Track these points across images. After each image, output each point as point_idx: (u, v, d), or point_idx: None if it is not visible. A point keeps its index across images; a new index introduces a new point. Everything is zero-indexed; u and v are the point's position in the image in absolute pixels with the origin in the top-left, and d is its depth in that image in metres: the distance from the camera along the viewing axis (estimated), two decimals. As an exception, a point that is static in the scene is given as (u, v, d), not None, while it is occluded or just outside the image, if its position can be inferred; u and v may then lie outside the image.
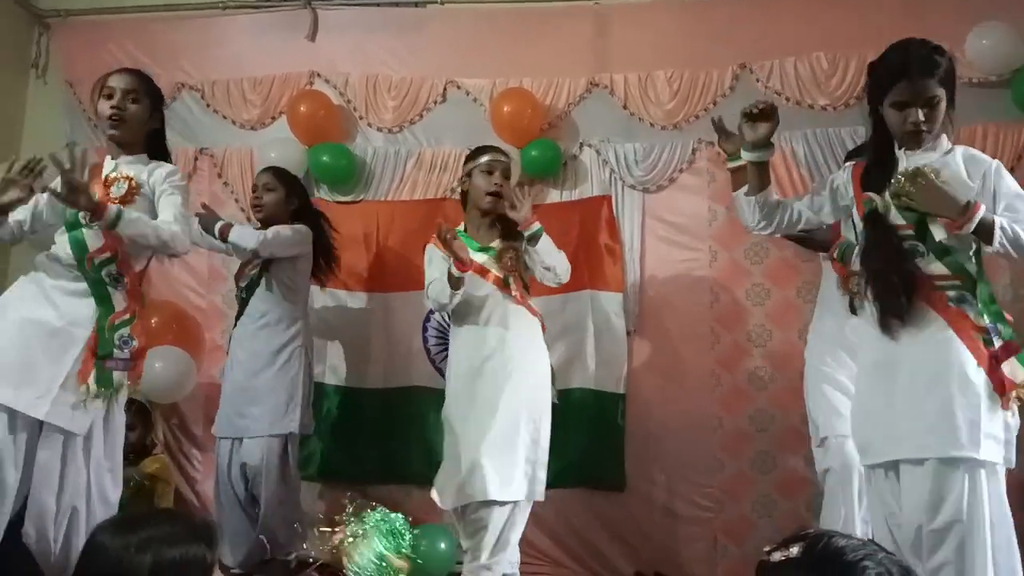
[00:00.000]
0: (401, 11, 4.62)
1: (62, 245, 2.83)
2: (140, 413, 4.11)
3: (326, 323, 4.27)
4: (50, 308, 2.74)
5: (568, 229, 4.11)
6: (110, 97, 2.88)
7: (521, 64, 4.38)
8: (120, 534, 1.65)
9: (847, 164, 2.65)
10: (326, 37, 4.59)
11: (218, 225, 3.59)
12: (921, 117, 2.40)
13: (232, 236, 3.55)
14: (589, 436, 4.08)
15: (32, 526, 2.64)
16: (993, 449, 2.28)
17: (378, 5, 4.67)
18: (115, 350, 2.80)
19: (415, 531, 2.50)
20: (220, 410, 3.71)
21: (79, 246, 2.80)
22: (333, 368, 4.30)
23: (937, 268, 2.39)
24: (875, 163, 2.53)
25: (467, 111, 4.40)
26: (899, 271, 2.40)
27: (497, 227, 3.45)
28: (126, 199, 2.83)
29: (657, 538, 4.01)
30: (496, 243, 3.42)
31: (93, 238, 2.81)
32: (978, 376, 2.31)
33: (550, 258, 3.33)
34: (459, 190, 3.78)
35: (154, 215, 2.86)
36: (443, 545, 3.60)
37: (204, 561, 1.60)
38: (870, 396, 2.49)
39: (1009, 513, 2.31)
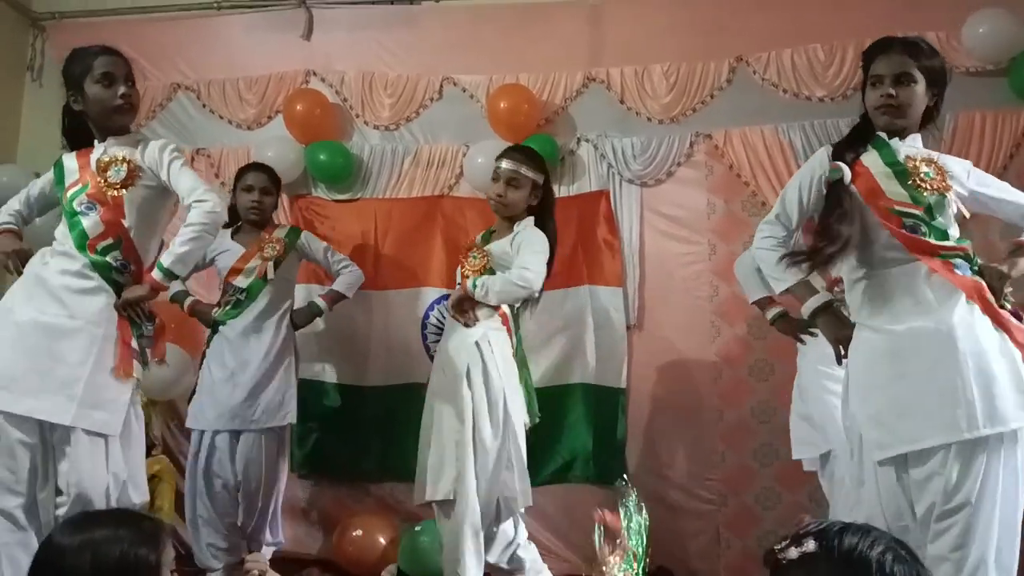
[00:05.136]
0: (396, 8, 4.61)
1: (63, 234, 2.76)
2: None
3: (324, 321, 4.26)
4: (59, 307, 2.65)
5: (566, 224, 4.08)
6: (111, 84, 2.73)
7: (517, 60, 4.37)
8: (68, 533, 1.64)
9: (823, 154, 2.57)
10: (321, 36, 4.58)
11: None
12: (890, 90, 2.39)
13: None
14: (590, 431, 4.08)
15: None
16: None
17: (373, 3, 4.66)
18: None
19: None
20: (208, 404, 3.66)
21: (80, 234, 2.71)
22: (332, 366, 4.29)
23: (935, 244, 2.37)
24: (850, 138, 2.51)
25: (464, 107, 4.39)
26: (851, 236, 2.37)
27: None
28: (127, 182, 2.73)
29: (659, 532, 3.99)
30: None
31: (92, 225, 2.72)
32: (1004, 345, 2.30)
33: (499, 297, 3.16)
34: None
35: (157, 193, 2.78)
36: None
37: (148, 563, 1.58)
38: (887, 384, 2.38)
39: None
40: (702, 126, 4.17)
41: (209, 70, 4.61)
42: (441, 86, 4.44)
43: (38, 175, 4.42)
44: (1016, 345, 2.29)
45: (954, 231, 2.41)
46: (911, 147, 2.47)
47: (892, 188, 2.39)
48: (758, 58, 4.15)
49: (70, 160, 2.86)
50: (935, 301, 2.32)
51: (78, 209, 2.74)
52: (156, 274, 2.73)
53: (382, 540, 3.86)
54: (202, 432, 3.68)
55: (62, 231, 2.77)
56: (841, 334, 2.46)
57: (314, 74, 4.55)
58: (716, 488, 4.01)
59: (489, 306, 3.19)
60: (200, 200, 2.73)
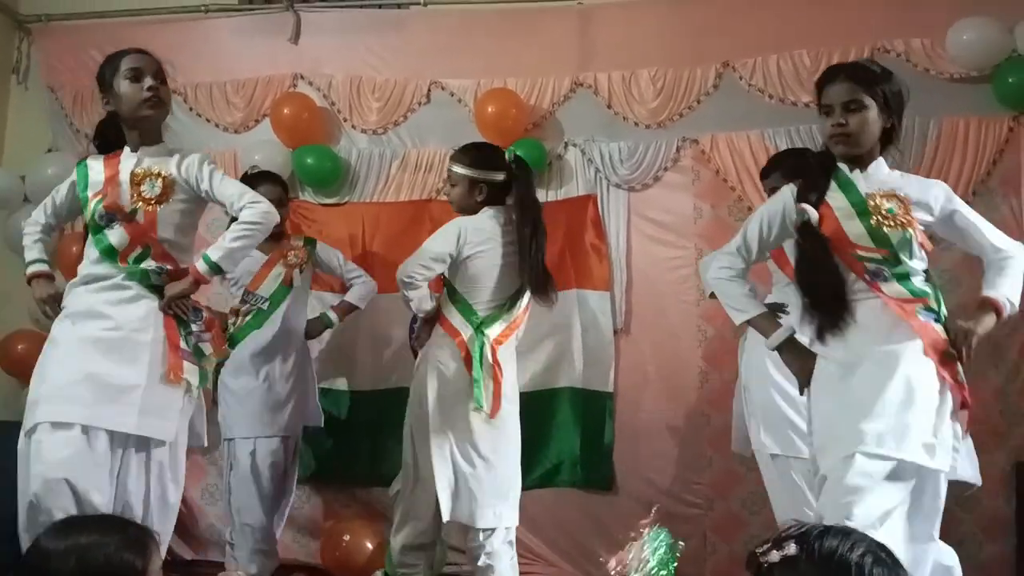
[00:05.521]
0: (384, 13, 4.61)
1: (92, 248, 2.73)
2: None
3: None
4: (103, 320, 2.62)
5: (554, 228, 4.07)
6: (138, 79, 2.68)
7: (505, 64, 4.38)
8: (54, 537, 1.64)
9: (788, 193, 2.57)
10: (309, 39, 4.57)
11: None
12: (840, 119, 2.39)
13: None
14: (577, 435, 4.09)
15: None
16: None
17: (361, 7, 4.67)
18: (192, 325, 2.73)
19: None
20: (243, 412, 3.65)
21: (108, 249, 2.69)
22: (320, 371, 4.28)
23: (898, 291, 2.38)
24: (814, 177, 2.51)
25: (452, 112, 4.40)
26: (832, 284, 2.40)
27: None
28: (161, 198, 2.69)
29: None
30: None
31: (118, 236, 2.69)
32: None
33: (412, 305, 3.18)
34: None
35: (191, 207, 2.76)
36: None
37: (134, 569, 1.58)
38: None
39: None
40: (689, 131, 4.19)
41: (196, 73, 4.58)
42: (429, 90, 4.44)
43: (23, 179, 4.49)
44: (955, 400, 2.35)
45: (919, 265, 2.42)
46: (874, 178, 2.46)
47: (854, 230, 2.40)
48: (744, 64, 4.17)
49: (96, 164, 2.80)
50: (892, 334, 2.35)
51: (100, 223, 2.70)
52: (201, 266, 2.68)
53: (369, 545, 3.85)
54: (231, 440, 3.67)
55: (90, 242, 2.73)
56: (806, 366, 2.48)
57: (302, 78, 4.54)
58: (703, 492, 4.02)
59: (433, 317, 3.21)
60: (254, 201, 2.72)
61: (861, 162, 2.46)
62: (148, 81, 2.69)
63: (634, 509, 4.02)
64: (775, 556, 1.26)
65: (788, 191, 2.54)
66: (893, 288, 2.38)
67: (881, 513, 2.20)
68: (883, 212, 2.39)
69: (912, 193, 2.45)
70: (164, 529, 2.70)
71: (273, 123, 4.41)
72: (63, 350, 2.62)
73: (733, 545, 3.95)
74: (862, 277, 2.39)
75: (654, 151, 4.20)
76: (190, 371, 2.69)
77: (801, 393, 2.54)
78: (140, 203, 2.68)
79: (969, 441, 2.50)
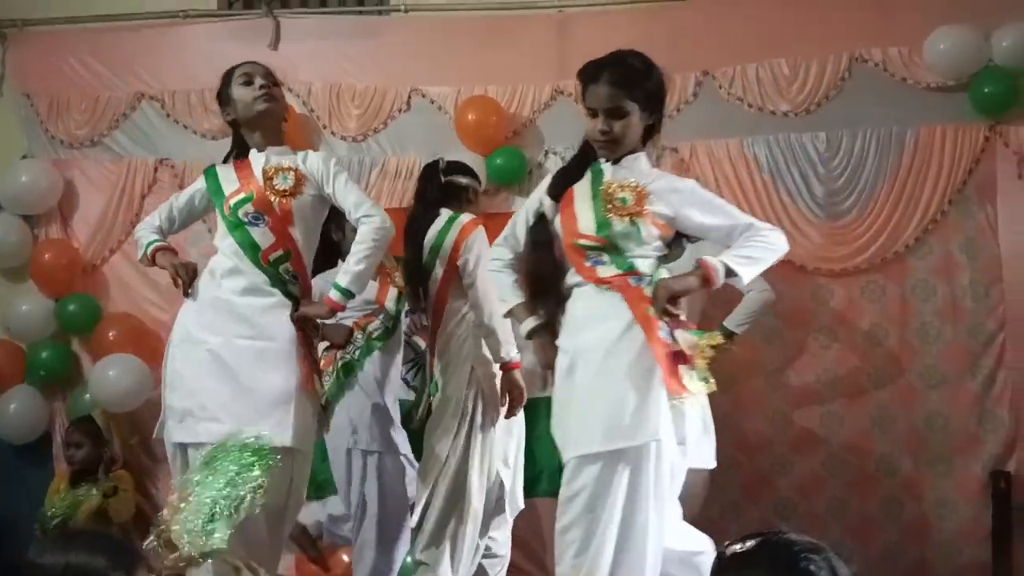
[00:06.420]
0: (364, 20, 4.60)
1: (231, 248, 2.71)
2: (89, 429, 4.04)
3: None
4: (248, 328, 2.63)
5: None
6: (249, 82, 2.79)
7: (485, 72, 4.37)
8: (43, 553, 1.61)
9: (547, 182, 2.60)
10: (288, 46, 4.53)
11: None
12: (603, 126, 2.39)
13: None
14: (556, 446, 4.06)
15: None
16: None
17: (341, 14, 4.65)
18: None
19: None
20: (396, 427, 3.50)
21: (251, 246, 2.68)
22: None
23: (612, 271, 2.39)
24: (566, 168, 2.55)
25: (432, 119, 4.38)
26: (548, 277, 2.45)
27: None
28: (295, 191, 2.73)
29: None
30: None
31: (262, 235, 2.69)
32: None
33: None
34: None
35: (320, 203, 2.81)
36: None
37: None
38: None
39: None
40: (668, 139, 4.16)
41: (173, 80, 4.55)
42: (409, 97, 4.42)
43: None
44: (656, 356, 2.33)
45: (646, 257, 2.41)
46: (624, 170, 2.46)
47: (585, 216, 2.41)
48: (723, 72, 4.18)
49: (225, 170, 2.84)
50: (602, 314, 2.37)
51: (244, 219, 2.70)
52: (334, 295, 2.69)
53: (345, 558, 3.82)
54: (376, 453, 3.45)
55: (229, 245, 2.72)
56: (547, 357, 2.50)
57: (280, 84, 4.51)
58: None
59: None
60: (368, 215, 2.74)
61: (618, 159, 2.47)
62: (259, 81, 2.79)
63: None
64: (733, 549, 1.29)
65: (546, 181, 2.58)
66: (609, 271, 2.39)
67: (596, 505, 2.30)
68: (615, 201, 2.39)
69: (654, 187, 2.42)
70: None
71: (252, 130, 4.37)
72: (209, 360, 2.62)
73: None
74: (582, 266, 2.40)
75: (634, 159, 4.19)
76: (318, 381, 2.80)
77: (546, 386, 2.62)
78: (274, 196, 2.72)
79: (699, 424, 2.48)
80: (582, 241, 2.40)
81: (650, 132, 2.50)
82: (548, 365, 2.50)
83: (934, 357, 3.93)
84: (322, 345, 3.15)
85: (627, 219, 2.38)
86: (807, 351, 4.02)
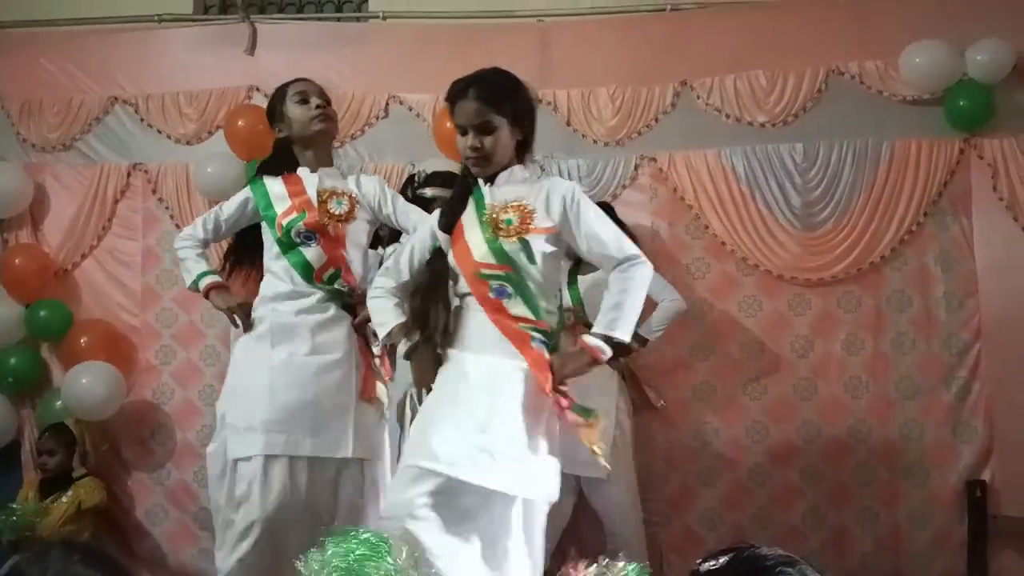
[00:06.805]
0: (342, 26, 4.58)
1: (284, 270, 2.78)
2: (62, 436, 3.99)
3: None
4: (309, 344, 2.72)
5: (512, 245, 4.08)
6: (305, 100, 2.87)
7: (464, 80, 4.35)
8: (32, 564, 1.57)
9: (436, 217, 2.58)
10: (265, 51, 4.50)
11: None
12: (473, 142, 2.38)
13: None
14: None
15: None
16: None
17: (319, 19, 4.63)
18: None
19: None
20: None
21: (304, 266, 2.77)
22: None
23: (522, 310, 2.35)
24: (450, 200, 2.53)
25: (409, 126, 4.36)
26: (444, 312, 2.43)
27: None
28: (349, 216, 2.82)
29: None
30: None
31: (316, 255, 2.77)
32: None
33: None
34: None
35: (371, 226, 2.90)
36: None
37: None
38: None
39: None
40: (647, 149, 4.19)
41: (148, 84, 4.50)
42: (387, 104, 4.40)
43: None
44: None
45: (545, 277, 2.38)
46: (502, 190, 2.43)
47: (478, 246, 2.38)
48: (702, 83, 4.19)
49: (274, 183, 2.87)
50: (500, 346, 2.33)
51: (296, 239, 2.77)
52: (391, 332, 2.73)
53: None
54: None
55: (283, 267, 2.79)
56: (424, 378, 2.46)
57: (257, 90, 4.46)
58: (659, 509, 4.00)
59: None
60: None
61: (495, 176, 2.45)
62: (315, 100, 2.88)
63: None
64: (706, 567, 1.29)
65: (435, 216, 2.54)
66: (518, 308, 2.35)
67: (418, 519, 2.21)
68: (500, 224, 2.37)
69: (534, 201, 2.39)
70: None
71: (227, 135, 4.32)
72: (272, 375, 2.69)
73: (689, 562, 3.89)
74: (486, 298, 2.35)
75: (612, 169, 4.20)
76: (380, 390, 2.84)
77: (420, 402, 2.64)
78: (328, 220, 2.79)
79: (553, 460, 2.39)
80: (483, 271, 2.36)
81: (523, 148, 2.48)
82: (423, 383, 2.46)
83: (909, 368, 3.94)
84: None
85: (515, 240, 2.35)
86: (783, 361, 4.02)
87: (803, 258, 4.02)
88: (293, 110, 2.88)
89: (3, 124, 4.58)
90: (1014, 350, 3.85)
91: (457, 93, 2.41)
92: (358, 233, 2.86)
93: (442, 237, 2.46)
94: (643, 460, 4.01)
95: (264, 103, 4.36)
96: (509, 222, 2.36)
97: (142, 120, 4.49)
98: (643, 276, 2.36)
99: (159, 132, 4.48)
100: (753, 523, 3.95)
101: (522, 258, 2.34)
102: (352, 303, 2.80)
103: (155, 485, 4.26)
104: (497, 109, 2.38)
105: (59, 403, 4.14)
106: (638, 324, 2.42)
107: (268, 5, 4.89)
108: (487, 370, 2.33)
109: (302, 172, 2.88)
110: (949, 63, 3.92)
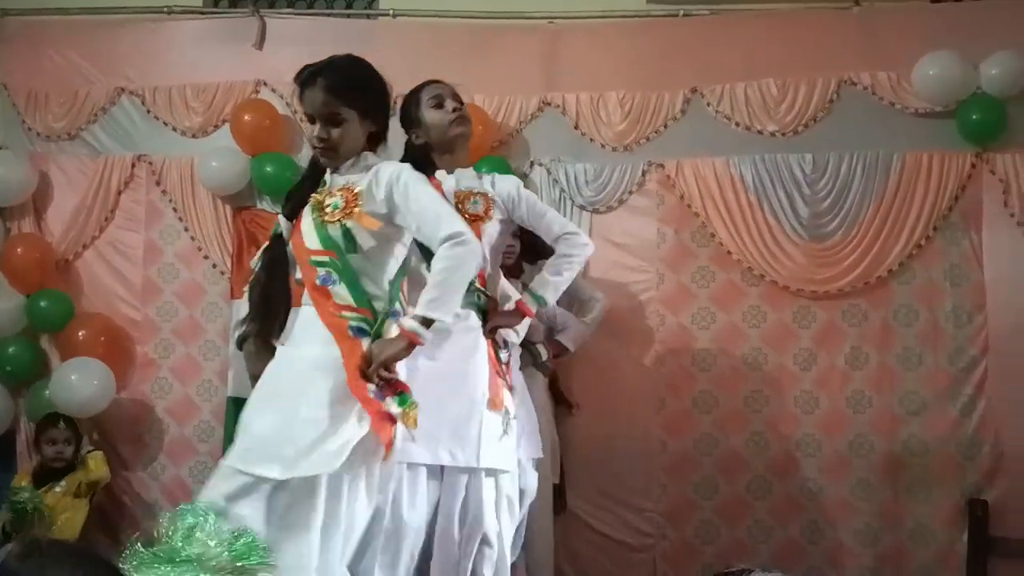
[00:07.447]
0: (352, 23, 4.55)
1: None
2: (72, 426, 3.98)
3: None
4: (431, 351, 2.50)
5: (516, 247, 4.05)
6: (440, 104, 2.81)
7: (473, 80, 4.26)
8: (21, 559, 1.54)
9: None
10: (274, 46, 4.48)
11: None
12: (321, 133, 2.32)
13: None
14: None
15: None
16: None
17: (329, 15, 4.61)
18: None
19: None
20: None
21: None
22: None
23: (344, 297, 2.29)
24: (298, 183, 2.48)
25: (417, 125, 4.33)
26: (284, 302, 2.40)
27: None
28: (485, 216, 2.74)
29: (597, 563, 3.95)
30: None
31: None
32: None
33: None
34: None
35: (506, 226, 2.83)
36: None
37: None
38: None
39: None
40: (655, 155, 4.16)
41: (156, 76, 4.49)
42: (394, 103, 4.35)
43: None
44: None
45: (372, 264, 2.32)
46: (342, 177, 2.38)
47: (309, 232, 2.34)
48: (712, 90, 4.16)
49: None
50: (320, 336, 2.28)
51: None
52: (528, 299, 2.78)
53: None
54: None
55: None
56: (255, 369, 2.42)
57: (264, 84, 4.45)
58: (656, 520, 3.97)
59: None
60: (571, 233, 2.84)
61: (340, 168, 2.40)
62: (450, 103, 2.81)
63: (586, 535, 3.97)
64: None
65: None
66: (341, 294, 2.29)
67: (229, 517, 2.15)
68: (326, 209, 2.32)
69: (365, 184, 2.32)
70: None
71: (233, 130, 4.31)
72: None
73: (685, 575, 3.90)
74: (314, 285, 2.31)
75: (619, 174, 4.17)
76: (507, 399, 2.72)
77: None
78: (467, 219, 2.66)
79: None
80: (313, 257, 2.31)
81: (376, 138, 2.43)
82: (253, 375, 2.41)
83: (915, 383, 3.90)
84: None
85: (336, 225, 2.29)
86: (786, 373, 3.98)
87: (810, 269, 3.99)
88: (430, 115, 2.80)
89: (9, 113, 4.57)
90: (1021, 366, 3.80)
91: (306, 80, 2.33)
92: (493, 233, 2.78)
93: (284, 224, 2.41)
94: (641, 470, 4.00)
95: (272, 98, 4.42)
96: (335, 206, 2.31)
97: (148, 112, 4.48)
98: (469, 253, 2.26)
99: (165, 124, 4.46)
100: (751, 537, 3.91)
101: (345, 243, 2.28)
102: (484, 308, 2.71)
103: (150, 480, 4.24)
104: (346, 102, 2.31)
105: (47, 392, 4.11)
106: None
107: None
108: (299, 363, 2.27)
109: (442, 176, 2.80)
110: (963, 76, 3.88)
